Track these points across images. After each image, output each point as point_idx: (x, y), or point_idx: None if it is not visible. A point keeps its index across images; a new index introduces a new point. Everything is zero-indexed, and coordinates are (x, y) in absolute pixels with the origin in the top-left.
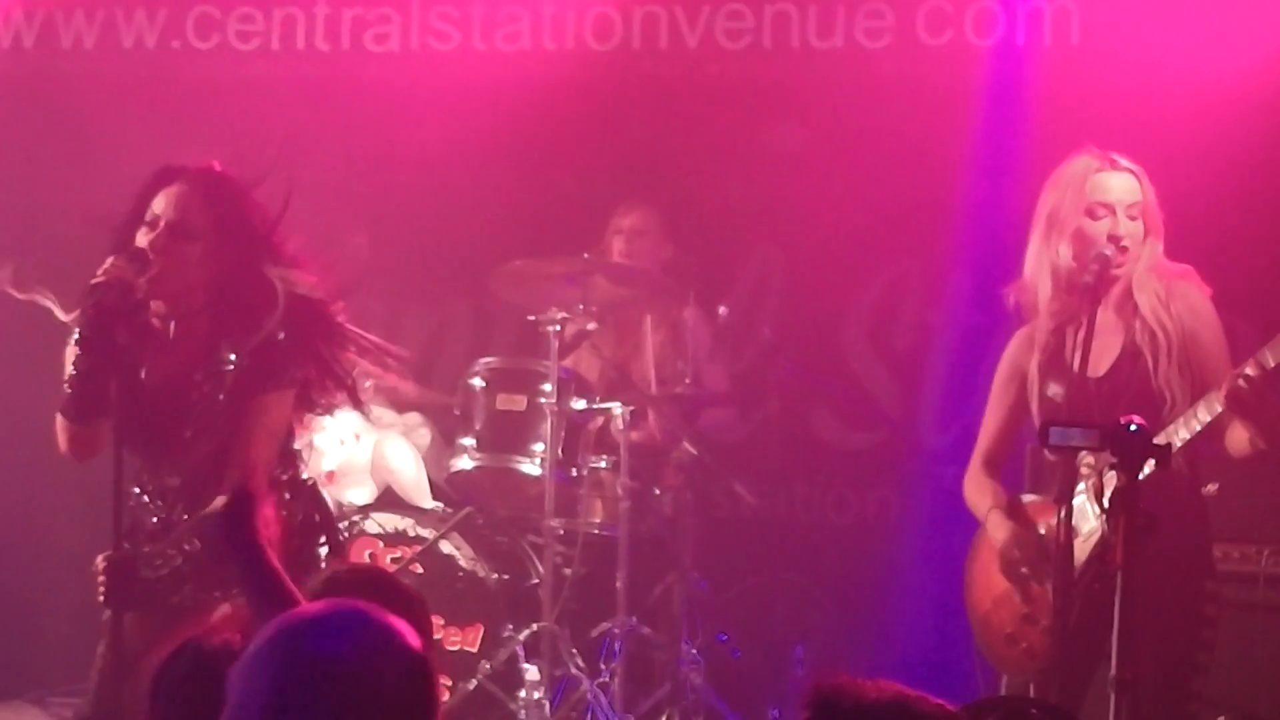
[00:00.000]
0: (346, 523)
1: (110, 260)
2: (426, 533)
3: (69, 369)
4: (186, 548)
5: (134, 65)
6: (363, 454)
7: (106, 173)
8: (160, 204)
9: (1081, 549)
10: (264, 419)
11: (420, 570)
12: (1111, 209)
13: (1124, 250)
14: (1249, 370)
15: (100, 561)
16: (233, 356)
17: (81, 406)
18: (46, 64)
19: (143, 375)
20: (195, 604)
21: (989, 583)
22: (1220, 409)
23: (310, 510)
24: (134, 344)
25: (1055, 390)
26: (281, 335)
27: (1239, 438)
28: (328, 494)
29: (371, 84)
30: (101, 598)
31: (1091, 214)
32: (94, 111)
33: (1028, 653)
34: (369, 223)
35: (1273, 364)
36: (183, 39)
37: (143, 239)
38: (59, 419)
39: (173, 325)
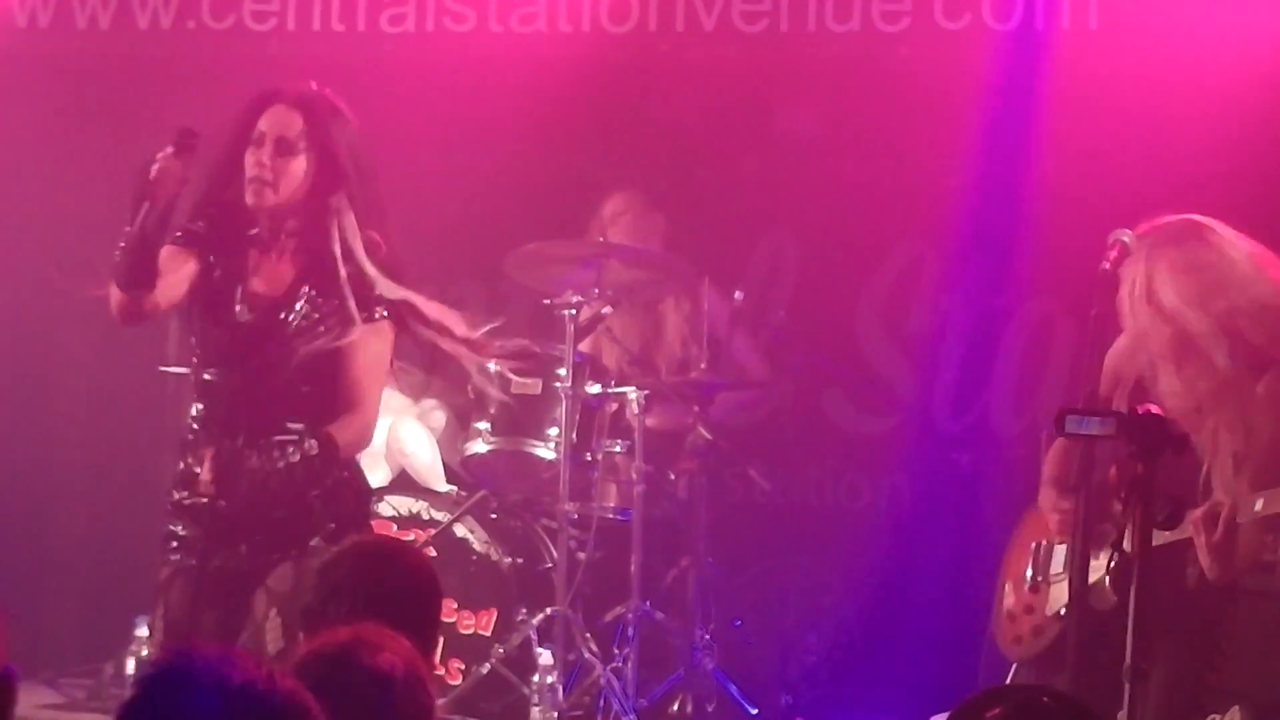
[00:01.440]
0: None
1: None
2: (441, 516)
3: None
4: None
5: (149, 46)
6: (377, 437)
7: (122, 152)
8: (265, 122)
9: None
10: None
11: (434, 553)
12: None
13: None
14: None
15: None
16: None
17: (128, 273)
18: (62, 44)
19: (239, 292)
20: (250, 568)
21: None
22: None
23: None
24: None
25: None
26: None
27: None
28: None
29: (388, 65)
30: (208, 494)
31: None
32: (108, 92)
33: (1029, 636)
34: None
35: None
36: (198, 19)
37: (250, 158)
38: (111, 286)
39: (274, 240)
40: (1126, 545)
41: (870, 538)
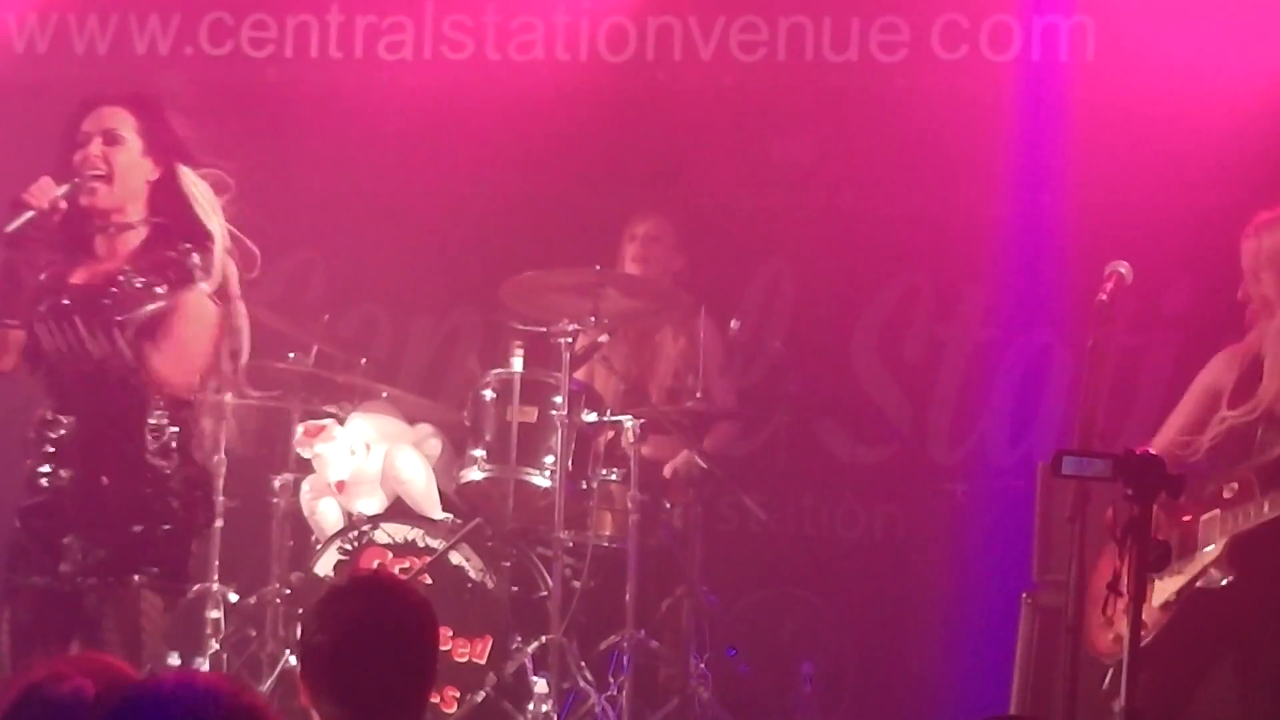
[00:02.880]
0: (356, 532)
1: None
2: (436, 543)
3: None
4: None
5: (147, 71)
6: (373, 464)
7: None
8: (88, 122)
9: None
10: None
11: (429, 581)
12: None
13: None
14: None
15: None
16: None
17: None
18: (60, 69)
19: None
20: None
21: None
22: None
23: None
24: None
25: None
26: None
27: None
28: (339, 504)
29: (385, 93)
30: None
31: None
32: None
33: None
34: (377, 230)
35: None
36: (195, 45)
37: (77, 158)
38: None
39: (102, 239)
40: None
41: (865, 567)
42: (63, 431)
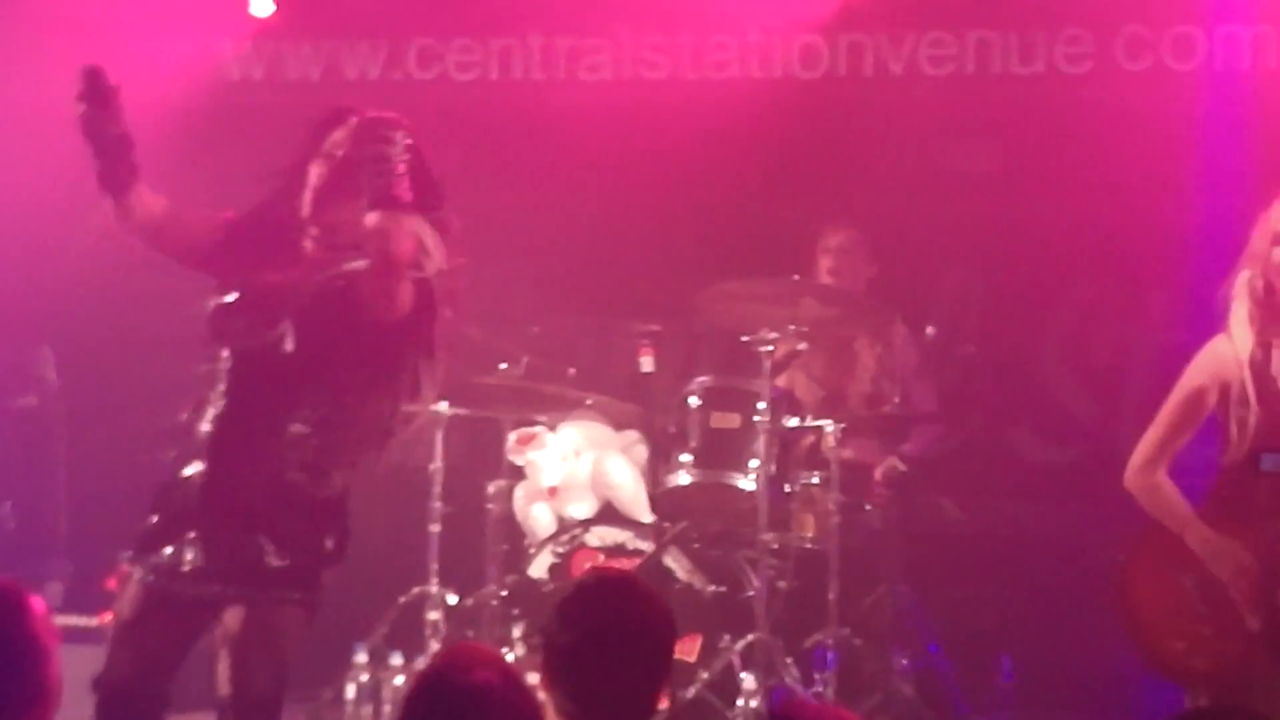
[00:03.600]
0: (568, 536)
1: None
2: (645, 546)
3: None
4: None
5: (357, 97)
6: (583, 469)
7: None
8: (336, 140)
9: None
10: None
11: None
12: None
13: None
14: None
15: None
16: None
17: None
18: (274, 96)
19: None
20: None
21: (1161, 590)
22: None
23: None
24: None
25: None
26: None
27: None
28: (551, 508)
29: (584, 111)
30: None
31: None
32: None
33: (1210, 664)
34: (578, 245)
35: None
36: (404, 70)
37: (315, 171)
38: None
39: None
40: None
41: (1057, 565)
42: (209, 428)
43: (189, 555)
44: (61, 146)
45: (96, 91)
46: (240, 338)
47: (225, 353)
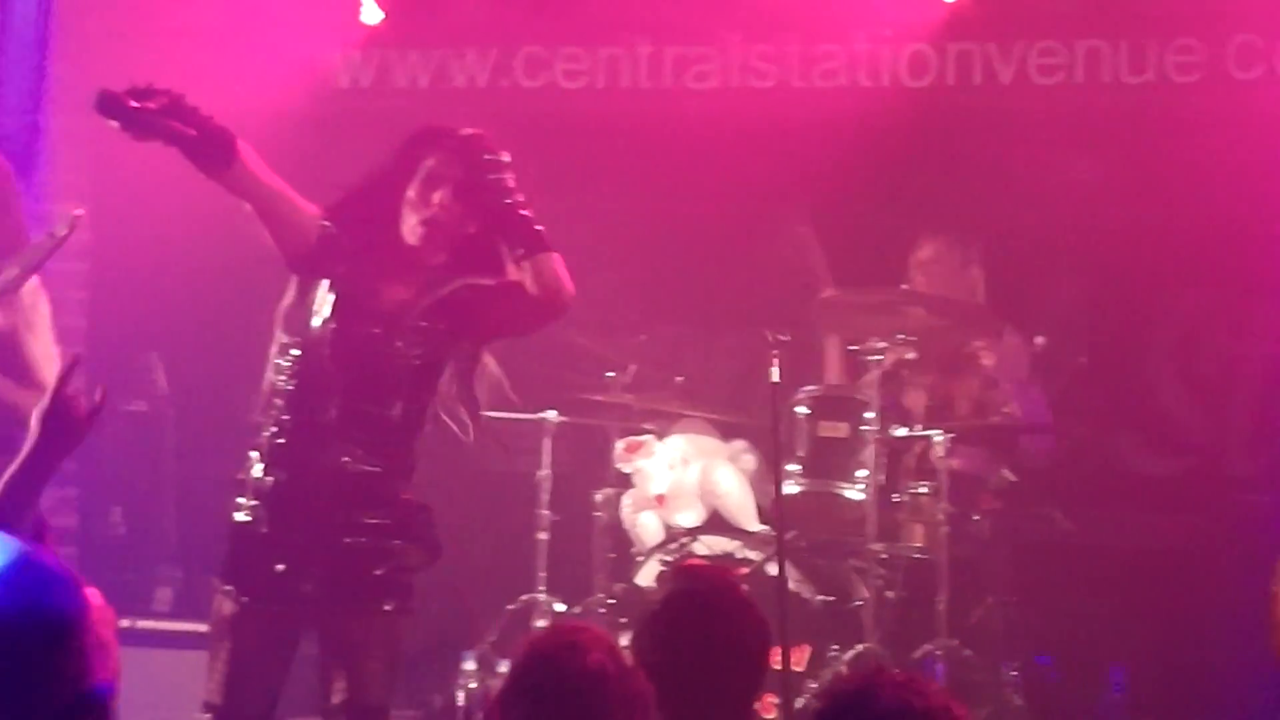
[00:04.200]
0: (676, 544)
1: None
2: (753, 555)
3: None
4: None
5: (465, 104)
6: (691, 478)
7: None
8: (431, 163)
9: None
10: None
11: (748, 591)
12: None
13: None
14: None
15: None
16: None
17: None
18: (382, 103)
19: (337, 292)
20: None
21: None
22: None
23: None
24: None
25: None
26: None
27: None
28: (659, 517)
29: (691, 120)
30: None
31: None
32: None
33: None
34: (685, 254)
35: None
36: (512, 79)
37: (414, 192)
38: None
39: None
40: None
41: (1166, 576)
42: (284, 440)
43: (281, 568)
44: (170, 151)
45: (113, 111)
46: (351, 346)
47: (293, 357)
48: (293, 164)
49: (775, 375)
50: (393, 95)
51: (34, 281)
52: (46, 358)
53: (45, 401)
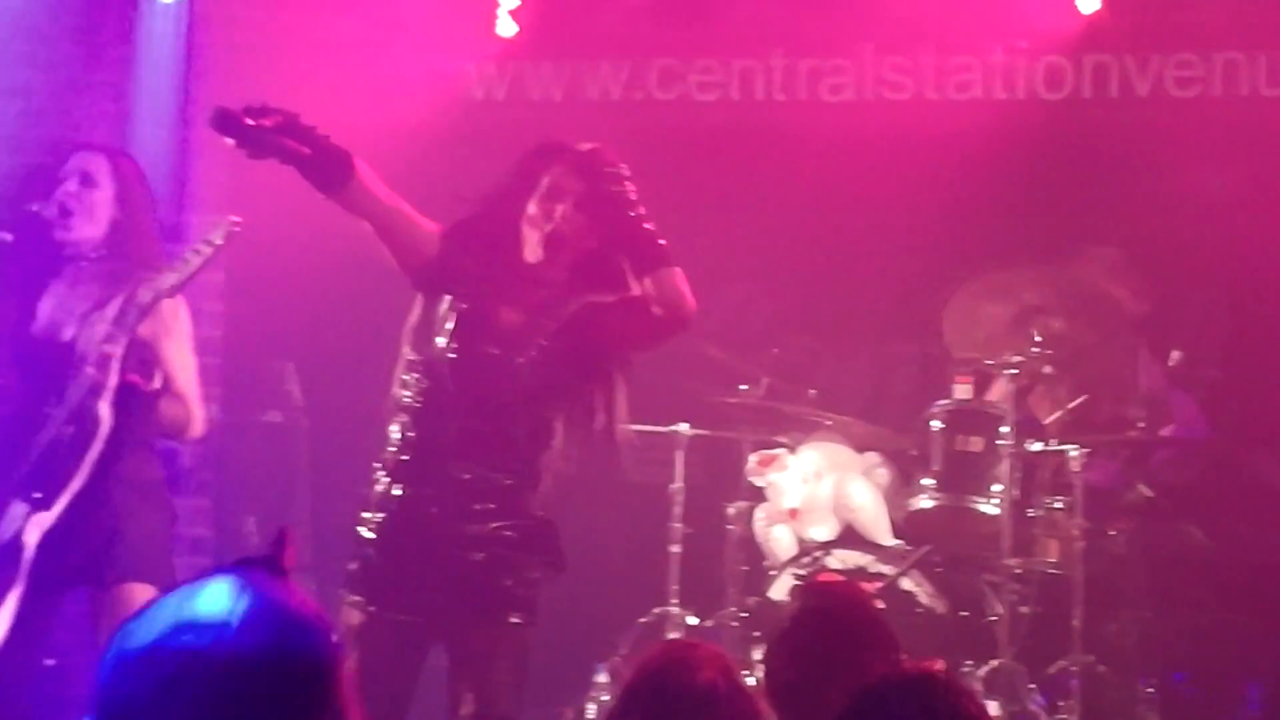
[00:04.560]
0: (809, 558)
1: None
2: (886, 569)
3: None
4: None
5: (598, 116)
6: (825, 492)
7: None
8: (551, 177)
9: None
10: None
11: (881, 606)
12: None
13: None
14: None
15: None
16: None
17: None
18: (516, 116)
19: (459, 308)
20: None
21: None
22: None
23: None
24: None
25: None
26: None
27: None
28: (792, 530)
29: (824, 133)
30: None
31: None
32: None
33: None
34: (817, 266)
35: None
36: (645, 91)
37: (534, 208)
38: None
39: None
40: None
41: None
42: (408, 455)
43: (408, 580)
44: None
45: (229, 129)
46: (471, 364)
47: (416, 374)
48: (426, 177)
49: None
50: (526, 108)
51: None
52: (185, 367)
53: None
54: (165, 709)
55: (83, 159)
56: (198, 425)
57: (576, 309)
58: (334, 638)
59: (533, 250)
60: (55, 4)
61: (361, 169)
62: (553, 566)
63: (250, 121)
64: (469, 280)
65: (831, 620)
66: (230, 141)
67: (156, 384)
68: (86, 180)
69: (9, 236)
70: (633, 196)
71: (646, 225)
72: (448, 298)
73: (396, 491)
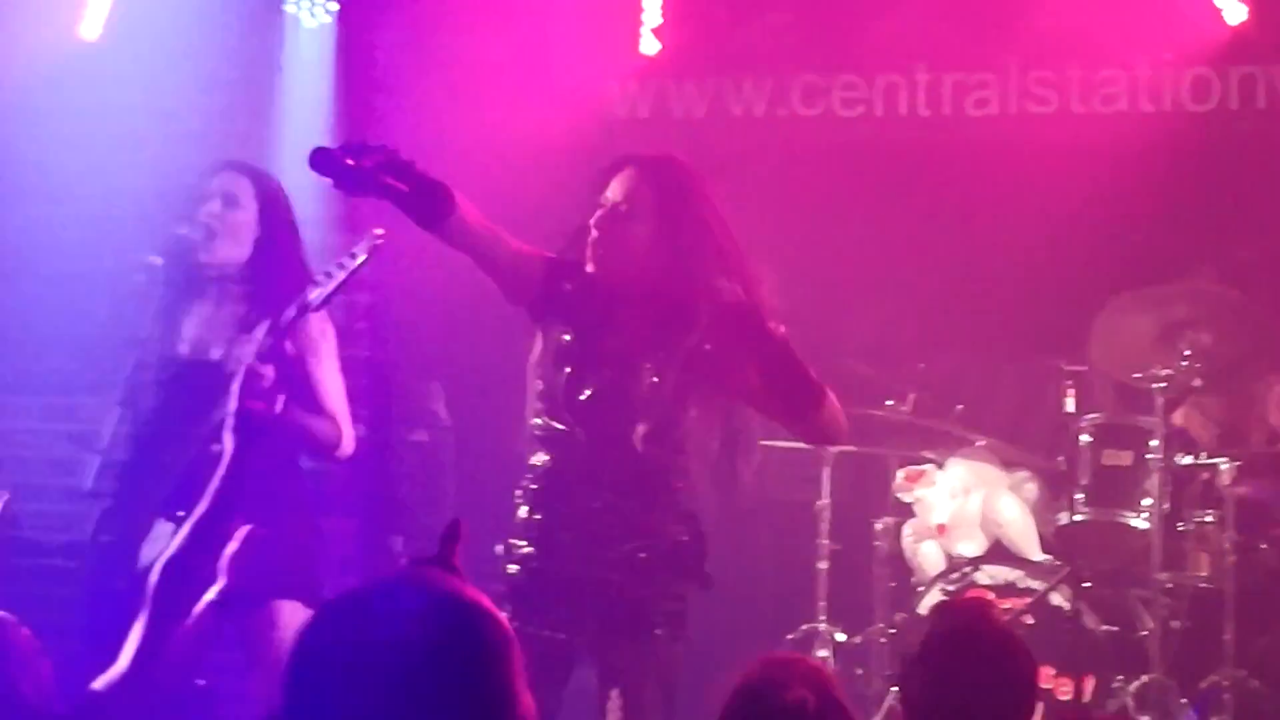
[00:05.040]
0: (958, 574)
1: None
2: (1036, 584)
3: None
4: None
5: (741, 133)
6: (973, 507)
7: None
8: (611, 189)
9: None
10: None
11: (1031, 621)
12: None
13: None
14: None
15: None
16: (654, 376)
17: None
18: (659, 133)
19: (568, 337)
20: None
21: None
22: None
23: None
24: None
25: None
26: (708, 347)
27: None
28: (940, 546)
29: (969, 147)
30: None
31: None
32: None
33: None
34: (962, 280)
35: None
36: (789, 107)
37: (596, 223)
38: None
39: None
40: None
41: None
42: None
43: (552, 598)
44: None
45: (327, 168)
46: (586, 391)
47: (540, 402)
48: (569, 196)
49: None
50: (669, 125)
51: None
52: (333, 386)
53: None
54: (357, 699)
55: (226, 180)
56: (348, 444)
57: (688, 349)
58: (505, 626)
59: (595, 267)
60: (204, 29)
61: (461, 203)
62: (699, 583)
63: (349, 160)
64: (571, 308)
65: (963, 643)
66: (329, 181)
67: (278, 407)
68: (230, 201)
69: (158, 259)
70: (702, 209)
71: (791, 359)
72: (559, 327)
73: (536, 517)
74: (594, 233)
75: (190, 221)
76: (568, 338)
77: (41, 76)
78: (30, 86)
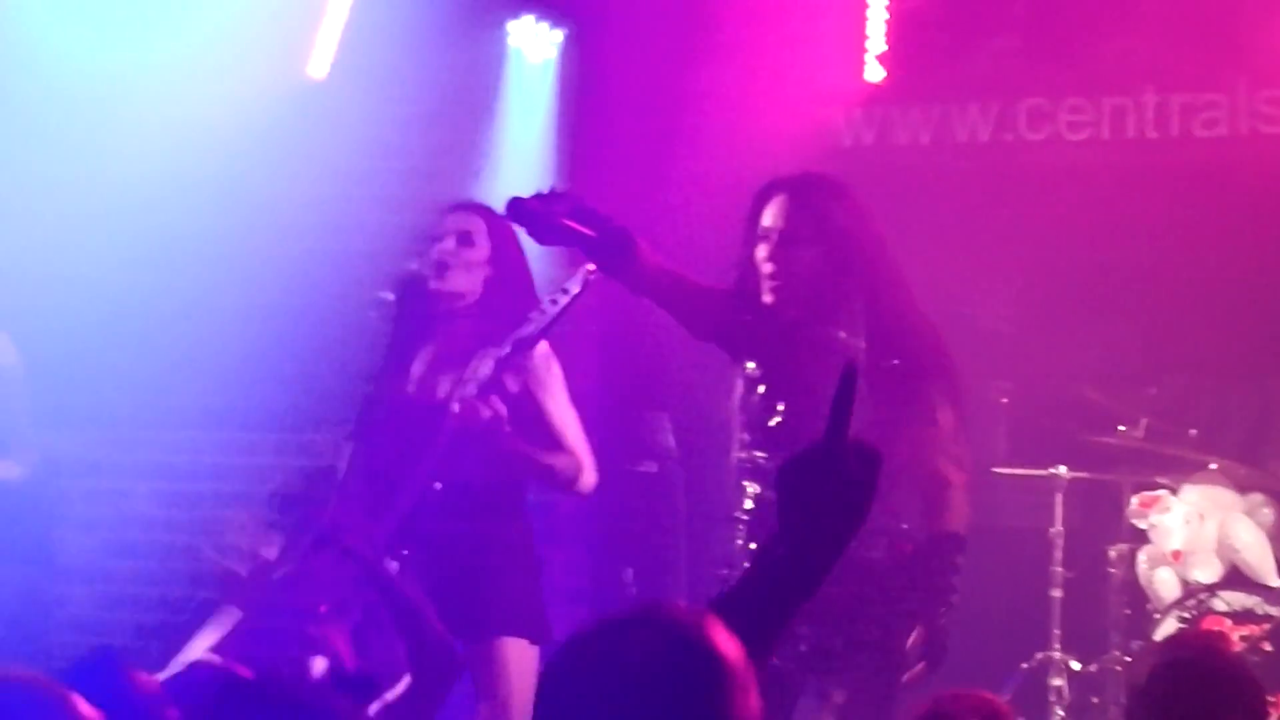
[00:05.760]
0: (1194, 600)
1: None
2: (1274, 610)
3: None
4: None
5: (966, 159)
6: (1208, 533)
7: (939, 267)
8: (767, 216)
9: None
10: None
11: (1269, 648)
12: None
13: None
14: None
15: None
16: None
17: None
18: (884, 160)
19: (752, 366)
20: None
21: None
22: None
23: None
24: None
25: None
26: (896, 362)
27: None
28: (1175, 573)
29: (1201, 168)
30: None
31: None
32: (926, 207)
33: None
34: (1192, 302)
35: None
36: (1015, 132)
37: (761, 253)
38: None
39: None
40: None
41: None
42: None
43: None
44: (659, 209)
45: (520, 217)
46: (776, 425)
47: (748, 435)
48: None
49: None
50: (894, 153)
51: (543, 346)
52: (567, 420)
53: None
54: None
55: (460, 218)
56: (589, 476)
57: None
58: (743, 660)
59: (767, 296)
60: (431, 67)
61: (644, 249)
62: (915, 617)
63: (540, 207)
64: (754, 339)
65: (1188, 675)
66: (521, 228)
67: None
68: (464, 239)
69: (390, 295)
70: (858, 225)
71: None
72: (745, 358)
73: (751, 546)
74: (765, 265)
75: (423, 258)
76: (752, 366)
77: (271, 114)
78: (260, 124)
